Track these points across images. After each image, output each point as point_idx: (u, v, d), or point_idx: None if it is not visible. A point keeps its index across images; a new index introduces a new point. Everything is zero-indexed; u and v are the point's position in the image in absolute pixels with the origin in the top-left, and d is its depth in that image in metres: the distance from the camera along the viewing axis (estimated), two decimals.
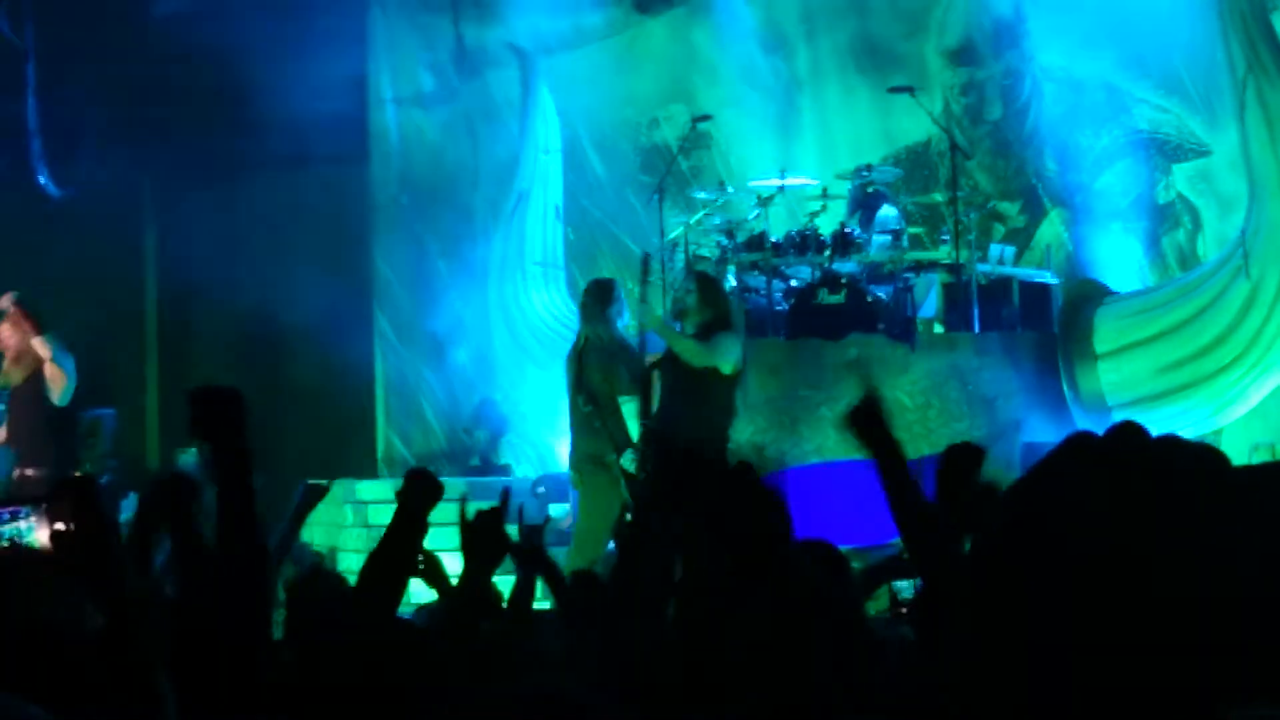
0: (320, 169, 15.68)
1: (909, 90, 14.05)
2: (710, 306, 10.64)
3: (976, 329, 13.22)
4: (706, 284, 10.91)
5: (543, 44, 15.87)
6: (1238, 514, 1.89)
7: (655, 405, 10.47)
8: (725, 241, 13.56)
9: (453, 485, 13.85)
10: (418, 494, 4.51)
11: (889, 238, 13.41)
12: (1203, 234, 14.76)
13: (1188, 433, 12.78)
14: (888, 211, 13.60)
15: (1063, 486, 1.92)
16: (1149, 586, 1.84)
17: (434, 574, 5.68)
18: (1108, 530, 1.86)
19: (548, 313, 15.56)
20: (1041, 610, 1.87)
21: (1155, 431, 2.01)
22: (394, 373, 15.83)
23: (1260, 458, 12.35)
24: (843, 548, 12.20)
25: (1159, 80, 14.79)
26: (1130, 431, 1.96)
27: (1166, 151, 14.90)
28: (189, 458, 13.67)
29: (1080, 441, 1.97)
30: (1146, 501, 1.89)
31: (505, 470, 14.66)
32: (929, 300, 13.68)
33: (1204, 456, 1.97)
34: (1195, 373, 13.40)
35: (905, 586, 8.19)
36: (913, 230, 13.88)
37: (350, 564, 12.63)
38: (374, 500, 13.59)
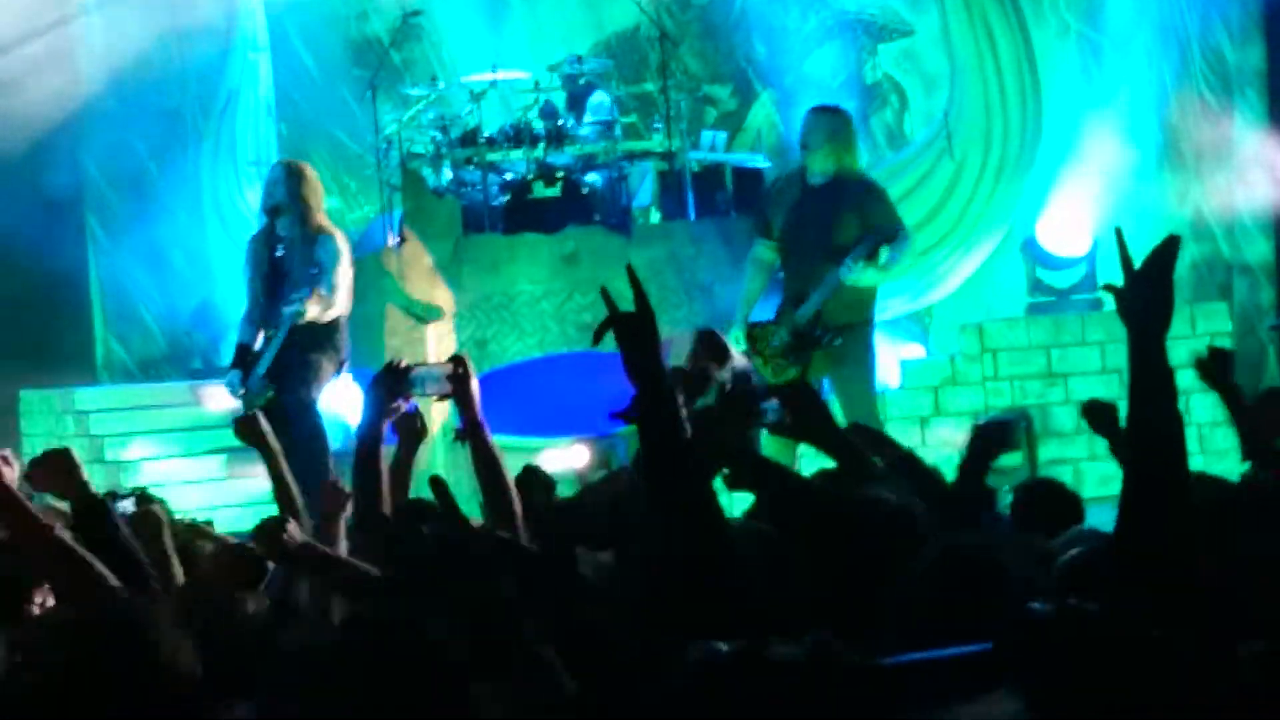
0: (18, 74, 15.25)
1: None
2: None
3: (692, 216, 13.35)
4: None
5: None
6: None
7: None
8: (439, 137, 13.50)
9: (176, 389, 13.75)
10: None
11: (602, 128, 13.46)
12: (909, 112, 15.04)
13: (898, 312, 13.13)
14: (600, 100, 13.64)
15: None
16: None
17: None
18: None
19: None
20: None
21: None
22: (108, 276, 15.48)
23: (968, 337, 12.70)
24: (569, 438, 12.25)
25: None
26: None
27: (872, 32, 15.12)
28: None
29: None
30: None
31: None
32: (644, 189, 13.77)
33: None
34: None
35: None
36: (625, 120, 13.93)
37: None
38: (95, 409, 13.21)
